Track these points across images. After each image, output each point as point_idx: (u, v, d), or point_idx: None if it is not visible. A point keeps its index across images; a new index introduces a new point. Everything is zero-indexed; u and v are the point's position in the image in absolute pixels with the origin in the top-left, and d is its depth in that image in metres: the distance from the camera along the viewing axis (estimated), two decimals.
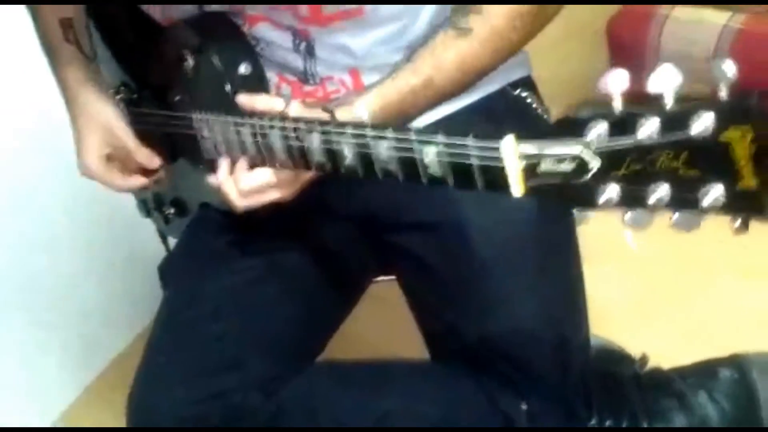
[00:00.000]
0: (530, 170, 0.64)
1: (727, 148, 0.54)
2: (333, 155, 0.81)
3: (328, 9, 0.92)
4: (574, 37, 1.89)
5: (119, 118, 1.11)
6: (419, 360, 1.08)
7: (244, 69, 0.94)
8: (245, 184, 0.91)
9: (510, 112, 1.07)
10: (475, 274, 0.99)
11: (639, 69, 1.65)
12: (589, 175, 0.60)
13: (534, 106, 1.11)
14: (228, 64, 0.94)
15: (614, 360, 1.21)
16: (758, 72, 1.44)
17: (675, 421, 1.04)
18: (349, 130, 0.78)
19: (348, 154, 0.79)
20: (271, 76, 1.03)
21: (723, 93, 0.54)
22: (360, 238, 1.13)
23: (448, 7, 0.95)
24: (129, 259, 1.79)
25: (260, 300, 1.07)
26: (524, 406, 0.96)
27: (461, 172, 0.69)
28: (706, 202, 0.56)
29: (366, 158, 0.78)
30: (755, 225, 1.57)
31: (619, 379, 1.11)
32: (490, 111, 1.05)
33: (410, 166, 0.73)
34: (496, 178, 0.66)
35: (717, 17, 1.48)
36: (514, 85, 1.10)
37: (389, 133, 0.74)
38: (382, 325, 1.48)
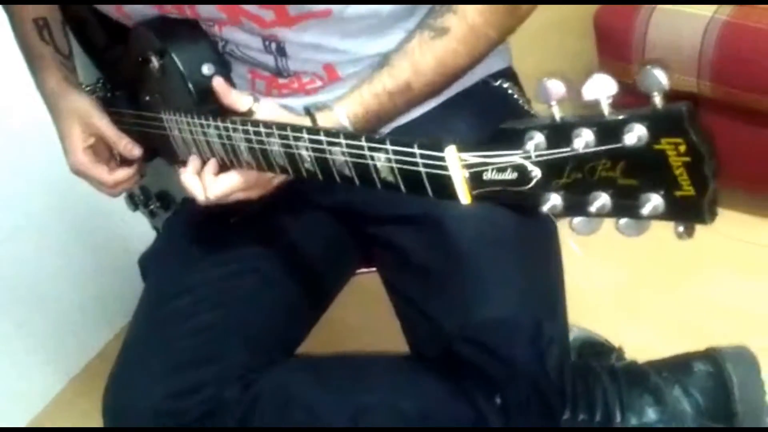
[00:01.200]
0: (475, 179, 0.64)
1: (663, 157, 0.54)
2: (293, 159, 0.82)
3: (293, 11, 0.92)
4: (561, 29, 1.88)
5: (97, 109, 1.11)
6: (398, 352, 1.09)
7: (207, 69, 0.94)
8: (211, 192, 0.92)
9: (491, 104, 1.07)
10: (454, 265, 1.00)
11: (626, 60, 1.65)
12: (532, 183, 0.60)
13: (515, 97, 1.11)
14: (191, 65, 0.94)
15: (597, 352, 1.21)
16: (743, 63, 1.45)
17: (649, 416, 1.04)
18: (305, 135, 0.78)
19: (306, 158, 0.80)
20: (244, 72, 1.03)
21: (656, 101, 0.53)
22: (341, 230, 1.14)
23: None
24: (112, 250, 1.79)
25: (239, 293, 1.07)
26: (498, 400, 0.97)
27: (410, 179, 0.69)
28: (645, 210, 0.56)
29: (323, 163, 0.78)
30: (741, 219, 1.58)
31: (595, 372, 1.11)
32: (471, 104, 1.05)
33: (364, 171, 0.73)
34: (443, 185, 0.66)
35: (704, 9, 1.47)
36: (495, 76, 1.09)
37: (342, 139, 0.74)
38: (363, 315, 1.49)
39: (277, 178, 0.94)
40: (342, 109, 0.91)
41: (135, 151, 1.11)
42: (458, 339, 0.97)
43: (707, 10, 1.46)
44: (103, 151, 1.12)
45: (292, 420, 0.99)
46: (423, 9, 0.97)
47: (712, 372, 1.07)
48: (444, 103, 1.04)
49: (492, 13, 0.92)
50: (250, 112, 0.90)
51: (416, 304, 1.03)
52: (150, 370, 1.02)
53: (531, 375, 0.95)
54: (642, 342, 1.21)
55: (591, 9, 1.62)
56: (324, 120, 0.91)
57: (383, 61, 0.95)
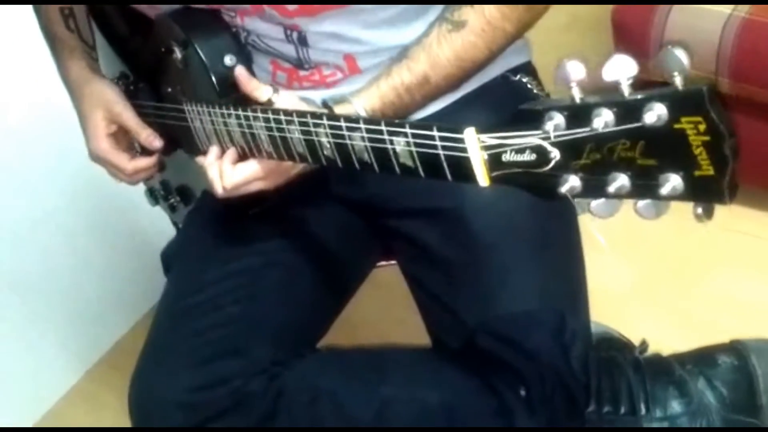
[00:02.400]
0: (494, 161, 0.64)
1: (682, 137, 0.54)
2: (312, 146, 0.83)
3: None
4: (579, 26, 1.89)
5: (121, 98, 1.12)
6: (420, 345, 1.09)
7: (229, 60, 0.96)
8: (229, 180, 0.93)
9: (511, 98, 1.07)
10: (476, 258, 1.00)
11: (643, 58, 1.64)
12: (551, 164, 0.61)
13: (535, 91, 1.11)
14: (213, 57, 0.96)
15: (614, 347, 1.21)
16: (762, 60, 1.44)
17: (674, 408, 1.04)
18: (325, 121, 0.79)
19: (326, 144, 0.80)
20: (265, 63, 1.04)
21: (677, 81, 0.53)
22: (361, 223, 1.14)
23: None
24: (130, 243, 1.81)
25: (262, 286, 1.08)
26: (523, 392, 0.97)
27: (429, 162, 0.70)
28: (664, 190, 0.56)
29: (343, 149, 0.79)
30: (758, 216, 1.57)
31: (620, 365, 1.11)
32: (490, 98, 1.05)
33: (383, 156, 0.74)
34: (461, 168, 0.66)
35: (722, 6, 1.47)
36: (514, 71, 1.10)
37: (362, 124, 0.75)
38: (383, 309, 1.49)
39: (296, 168, 0.95)
40: (360, 102, 0.92)
41: (156, 142, 1.12)
42: (481, 332, 0.98)
43: (726, 7, 1.47)
44: (124, 141, 1.14)
45: (318, 413, 0.99)
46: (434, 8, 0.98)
47: (737, 364, 1.07)
48: (463, 97, 1.05)
49: (509, 8, 0.93)
50: (269, 103, 0.91)
51: (438, 297, 1.03)
52: (175, 363, 1.03)
53: (555, 368, 0.96)
54: (659, 337, 1.21)
55: (609, 6, 1.62)
56: (342, 112, 0.91)
57: (401, 54, 0.96)
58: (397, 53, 0.97)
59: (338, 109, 0.92)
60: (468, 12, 0.92)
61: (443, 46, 0.93)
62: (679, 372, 1.07)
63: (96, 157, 1.14)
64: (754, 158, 1.49)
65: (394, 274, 1.14)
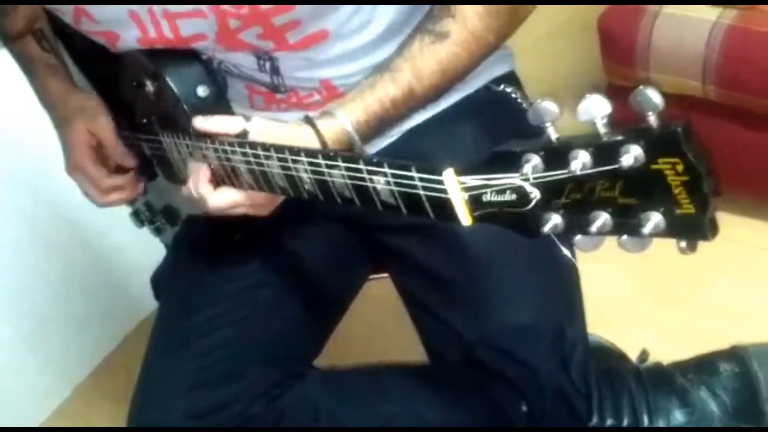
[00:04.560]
0: (474, 201, 0.65)
1: (661, 177, 0.54)
2: (293, 180, 0.83)
3: (293, 39, 0.94)
4: (565, 33, 1.90)
5: (102, 109, 1.13)
6: (415, 358, 1.10)
7: (202, 91, 0.95)
8: (212, 203, 0.93)
9: (494, 108, 1.08)
10: (471, 272, 1.01)
11: (630, 65, 1.67)
12: (532, 204, 0.61)
13: (519, 101, 1.12)
14: (185, 89, 0.96)
15: (609, 357, 1.22)
16: (748, 67, 1.46)
17: (677, 418, 1.05)
18: (304, 158, 0.79)
19: (307, 180, 0.81)
20: (240, 87, 1.05)
21: (651, 121, 0.54)
22: (351, 238, 1.15)
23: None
24: (117, 258, 1.83)
25: (253, 308, 1.09)
26: (524, 407, 0.98)
27: (411, 201, 0.70)
28: (646, 229, 0.57)
29: (323, 185, 0.79)
30: (747, 223, 1.58)
31: (621, 376, 1.12)
32: (474, 109, 1.06)
33: (364, 193, 0.75)
34: (443, 208, 0.67)
35: (708, 13, 1.50)
36: (497, 81, 1.11)
37: (341, 162, 0.75)
38: (376, 322, 1.50)
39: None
40: (345, 116, 0.92)
41: (128, 160, 1.14)
42: (480, 345, 0.98)
43: (712, 14, 1.49)
44: (101, 157, 1.15)
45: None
46: (413, 23, 0.98)
47: (738, 372, 1.08)
48: (448, 108, 1.05)
49: (491, 18, 0.93)
50: (244, 133, 0.90)
51: (434, 312, 1.04)
52: (174, 389, 1.04)
53: (556, 381, 0.97)
54: (656, 347, 1.23)
55: (595, 13, 1.64)
56: (326, 127, 0.91)
57: (383, 66, 0.96)
58: (378, 65, 0.97)
59: (321, 124, 0.92)
60: (450, 23, 0.93)
61: (427, 58, 0.93)
62: (680, 381, 1.08)
63: (74, 169, 1.15)
64: (740, 164, 1.53)
65: (382, 289, 1.15)
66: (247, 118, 0.91)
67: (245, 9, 0.89)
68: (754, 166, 1.57)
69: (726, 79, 1.49)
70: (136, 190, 1.19)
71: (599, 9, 1.64)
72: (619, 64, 1.60)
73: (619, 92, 1.52)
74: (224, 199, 0.93)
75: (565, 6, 1.78)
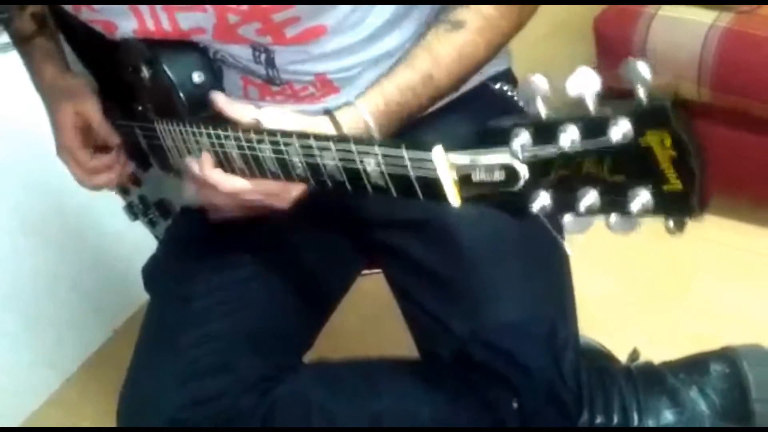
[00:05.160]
0: (464, 180, 0.65)
1: (649, 152, 0.55)
2: (284, 165, 0.83)
3: (290, 34, 0.94)
4: (561, 35, 1.92)
5: (92, 93, 1.13)
6: (406, 354, 1.10)
7: (197, 78, 0.96)
8: (225, 187, 0.91)
9: (491, 106, 1.08)
10: (463, 270, 1.01)
11: None
12: (521, 182, 0.61)
13: (516, 99, 1.12)
14: (181, 75, 0.96)
15: (598, 357, 1.22)
16: (743, 71, 1.47)
17: (667, 418, 1.05)
18: (296, 141, 0.79)
19: (298, 164, 0.81)
20: (236, 78, 1.05)
21: (640, 94, 0.54)
22: (344, 234, 1.15)
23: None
24: (109, 250, 1.84)
25: (245, 299, 1.10)
26: (515, 404, 0.98)
27: (400, 182, 0.70)
28: (634, 206, 0.57)
29: (315, 169, 0.79)
30: (744, 227, 1.59)
31: (612, 375, 1.12)
32: (470, 106, 1.06)
33: (354, 175, 0.75)
34: (432, 188, 0.67)
35: (704, 16, 1.52)
36: (494, 79, 1.11)
37: (331, 144, 0.75)
38: (368, 317, 1.50)
39: (296, 190, 0.93)
40: (364, 105, 0.92)
41: (113, 138, 1.14)
42: (472, 342, 0.99)
43: (708, 17, 1.51)
44: (89, 140, 1.15)
45: (311, 427, 1.01)
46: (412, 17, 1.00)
47: (728, 372, 1.08)
48: (444, 106, 1.05)
49: (506, 7, 0.95)
50: (257, 123, 0.90)
51: (426, 308, 1.04)
52: (164, 380, 1.04)
53: (547, 378, 0.97)
54: (645, 349, 1.23)
55: (591, 15, 1.66)
56: (345, 116, 0.92)
57: (401, 56, 0.96)
58: (397, 58, 0.97)
59: (340, 115, 0.92)
60: (465, 12, 0.94)
61: (444, 44, 0.94)
62: (671, 381, 1.08)
63: (62, 150, 1.16)
64: (734, 168, 1.54)
65: (378, 282, 1.15)
66: (258, 106, 0.92)
67: (245, 6, 0.90)
68: (747, 169, 1.57)
69: (721, 82, 1.50)
70: (123, 172, 1.19)
71: (595, 11, 1.65)
72: (614, 67, 1.59)
73: (615, 95, 1.54)
74: (236, 184, 0.92)
75: (561, 8, 1.80)
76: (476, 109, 1.06)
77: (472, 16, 0.94)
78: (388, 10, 0.99)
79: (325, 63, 1.00)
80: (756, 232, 1.64)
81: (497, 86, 1.11)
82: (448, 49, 0.94)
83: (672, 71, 1.52)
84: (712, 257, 1.47)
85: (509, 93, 1.12)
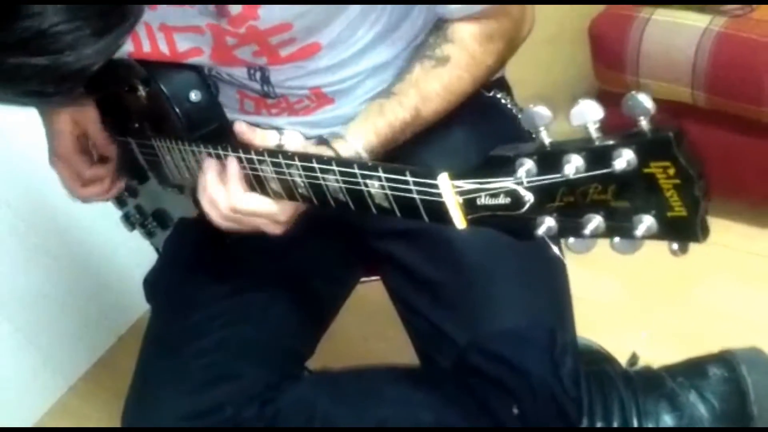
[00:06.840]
0: (469, 204, 0.66)
1: (653, 180, 0.56)
2: (287, 185, 0.84)
3: (285, 53, 0.96)
4: (556, 40, 1.93)
5: (89, 103, 1.14)
6: (405, 361, 1.12)
7: (194, 96, 0.97)
8: (240, 204, 0.91)
9: (485, 113, 1.09)
10: (462, 277, 1.02)
11: (620, 70, 1.69)
12: (525, 207, 0.63)
13: (509, 107, 1.14)
14: (177, 93, 0.97)
15: (597, 359, 1.23)
16: (737, 74, 1.49)
17: (666, 422, 1.06)
18: (298, 162, 0.80)
19: (301, 184, 0.82)
20: (232, 92, 1.06)
21: (643, 125, 0.55)
22: (343, 242, 1.16)
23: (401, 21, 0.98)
24: (112, 260, 1.85)
25: (245, 310, 1.11)
26: (515, 410, 0.99)
27: (405, 205, 0.72)
28: (639, 231, 0.58)
29: (317, 189, 0.80)
30: (740, 229, 1.60)
31: (611, 379, 1.13)
32: (465, 114, 1.07)
33: (359, 197, 0.76)
34: (438, 212, 0.68)
35: (698, 20, 1.53)
36: (488, 87, 1.12)
37: (335, 166, 0.76)
38: (367, 325, 1.51)
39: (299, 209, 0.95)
40: (357, 141, 0.94)
41: (109, 150, 1.15)
42: (472, 350, 1.00)
43: (702, 21, 1.52)
44: (84, 148, 1.16)
45: None
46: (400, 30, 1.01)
47: (727, 376, 1.09)
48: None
49: (488, 43, 0.97)
50: (279, 147, 0.91)
51: (425, 317, 1.05)
52: (168, 390, 1.05)
53: (547, 385, 0.98)
54: (644, 352, 1.25)
55: (587, 19, 1.67)
56: (342, 150, 0.93)
57: (386, 92, 0.98)
58: (382, 91, 0.99)
59: (338, 146, 0.93)
60: (449, 48, 0.96)
61: (431, 81, 0.96)
62: (670, 385, 1.09)
63: (57, 158, 1.16)
64: (729, 170, 1.55)
65: (378, 290, 1.16)
66: (281, 132, 0.93)
67: (243, 29, 0.91)
68: (742, 171, 1.59)
69: (715, 85, 1.51)
70: (114, 186, 1.19)
71: (591, 16, 1.66)
72: (609, 70, 1.63)
73: (610, 98, 1.55)
74: (252, 203, 0.91)
75: (557, 12, 1.80)
76: (471, 115, 1.07)
77: (457, 51, 0.96)
78: (380, 23, 1.00)
79: (319, 77, 1.01)
80: (752, 234, 1.66)
81: (491, 94, 1.13)
82: (435, 85, 0.96)
83: (666, 74, 1.54)
84: (713, 259, 1.47)
85: (503, 101, 1.13)
